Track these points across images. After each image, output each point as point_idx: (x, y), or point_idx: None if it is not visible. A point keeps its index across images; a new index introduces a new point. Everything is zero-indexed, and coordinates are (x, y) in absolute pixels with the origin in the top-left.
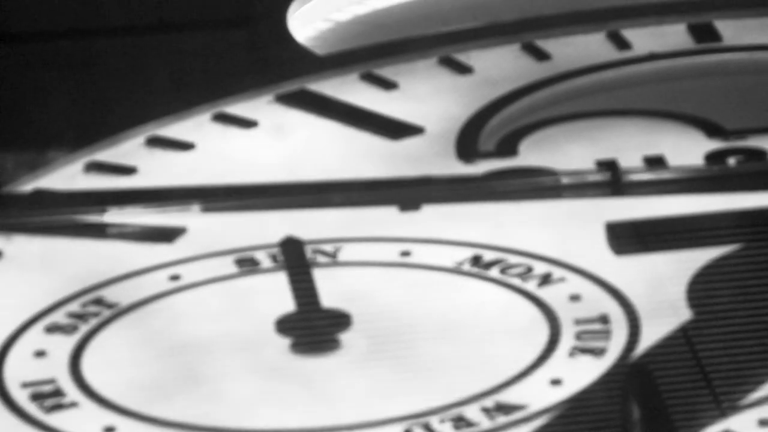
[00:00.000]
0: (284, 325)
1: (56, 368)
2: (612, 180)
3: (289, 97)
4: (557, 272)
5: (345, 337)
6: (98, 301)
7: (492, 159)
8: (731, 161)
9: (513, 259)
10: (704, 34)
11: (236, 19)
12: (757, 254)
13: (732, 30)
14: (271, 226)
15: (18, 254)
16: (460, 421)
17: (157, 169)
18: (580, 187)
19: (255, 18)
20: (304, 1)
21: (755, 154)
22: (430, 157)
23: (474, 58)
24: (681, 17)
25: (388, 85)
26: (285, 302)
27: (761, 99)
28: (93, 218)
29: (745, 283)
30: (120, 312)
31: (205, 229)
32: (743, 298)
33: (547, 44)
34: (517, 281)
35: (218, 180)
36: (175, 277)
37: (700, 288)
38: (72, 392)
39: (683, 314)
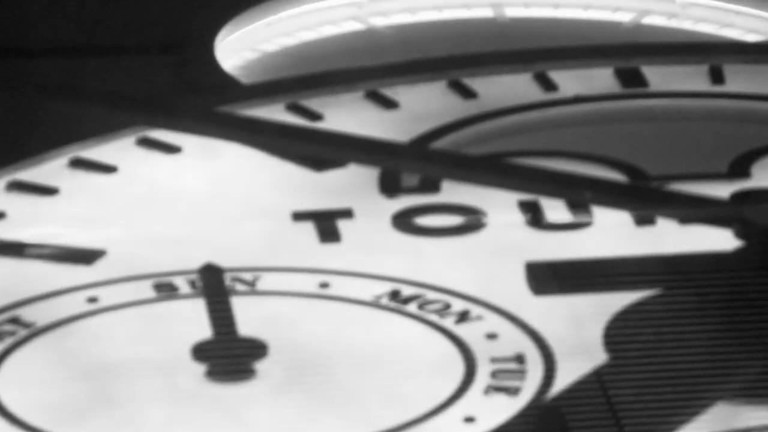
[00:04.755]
0: (200, 352)
1: None
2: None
3: None
4: (475, 310)
5: (261, 366)
6: (14, 321)
7: (414, 194)
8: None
9: (431, 295)
10: (631, 79)
11: (165, 44)
12: (674, 300)
13: (659, 76)
14: (191, 253)
15: None
16: None
17: (79, 191)
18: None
19: (183, 44)
20: (232, 30)
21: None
22: (352, 189)
23: (400, 93)
24: (608, 61)
25: (313, 116)
26: (202, 329)
27: (685, 145)
28: (12, 238)
29: (661, 328)
30: (36, 332)
31: (124, 252)
32: (658, 343)
33: (474, 82)
34: (434, 317)
35: (139, 204)
36: (92, 300)
37: (616, 331)
38: None
39: (598, 357)
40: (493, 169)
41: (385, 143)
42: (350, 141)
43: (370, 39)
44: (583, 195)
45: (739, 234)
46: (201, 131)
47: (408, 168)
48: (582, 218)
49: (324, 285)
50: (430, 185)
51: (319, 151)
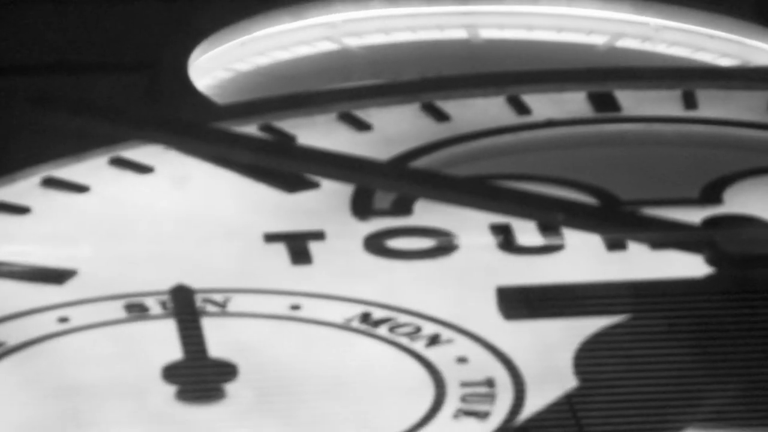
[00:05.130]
0: (171, 373)
1: None
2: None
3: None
4: (446, 333)
5: (231, 388)
6: None
7: (386, 217)
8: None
9: (402, 318)
10: (604, 103)
11: (137, 63)
12: (645, 325)
13: (632, 100)
14: (162, 273)
15: None
16: None
17: (50, 210)
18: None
19: (156, 63)
20: (206, 50)
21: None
22: (324, 211)
23: (373, 115)
24: (582, 85)
25: (286, 138)
26: (172, 350)
27: (658, 170)
28: None
29: (631, 353)
30: (6, 352)
31: (96, 272)
32: (629, 368)
33: (447, 105)
34: (405, 340)
35: (111, 224)
36: (63, 320)
37: (586, 356)
38: None
39: (569, 382)
40: (471, 189)
41: (365, 161)
42: (332, 158)
43: (343, 59)
44: (556, 217)
45: (710, 260)
46: (197, 147)
47: (386, 186)
48: (554, 242)
49: (295, 307)
50: (402, 208)
51: (302, 168)
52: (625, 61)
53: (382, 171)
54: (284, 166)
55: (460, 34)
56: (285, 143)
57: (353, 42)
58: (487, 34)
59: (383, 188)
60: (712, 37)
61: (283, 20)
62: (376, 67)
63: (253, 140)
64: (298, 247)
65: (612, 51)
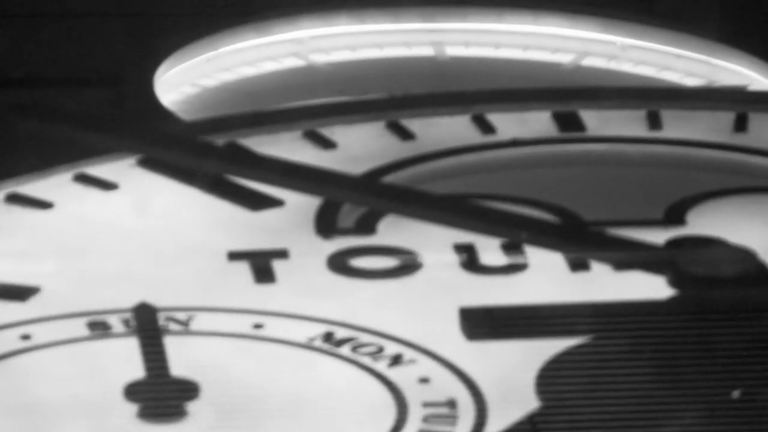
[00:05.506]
0: (132, 391)
1: None
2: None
3: (151, 162)
4: (408, 354)
5: (193, 407)
6: None
7: (350, 236)
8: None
9: (365, 337)
10: (569, 122)
11: (103, 78)
12: (607, 347)
13: (596, 120)
14: (125, 291)
15: None
16: None
17: (14, 227)
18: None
19: (122, 79)
20: (172, 65)
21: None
22: (288, 229)
23: (338, 133)
24: (546, 105)
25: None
26: (135, 368)
27: (622, 191)
28: None
29: (594, 374)
30: None
31: (59, 289)
32: (591, 389)
33: (412, 124)
34: (367, 360)
35: (75, 241)
36: (25, 337)
37: (549, 378)
38: None
39: (531, 403)
40: (440, 205)
41: (338, 175)
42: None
43: (310, 76)
44: (519, 235)
45: (672, 282)
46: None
47: (356, 201)
48: (517, 261)
49: (258, 326)
50: (366, 227)
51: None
52: (591, 79)
53: (353, 185)
54: (258, 179)
55: (426, 51)
56: (260, 156)
57: (320, 58)
58: (454, 51)
59: (353, 202)
60: (678, 56)
61: (249, 36)
62: (342, 83)
63: (227, 152)
64: (261, 265)
65: (578, 69)
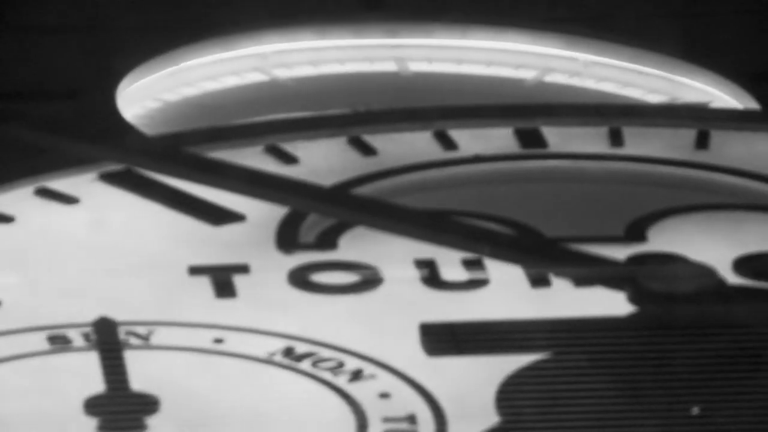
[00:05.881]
0: (92, 406)
1: None
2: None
3: (113, 176)
4: (368, 369)
5: (152, 421)
6: None
7: (311, 251)
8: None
9: (325, 352)
10: (530, 139)
11: (64, 91)
12: (567, 363)
13: (558, 137)
14: (85, 305)
15: None
16: None
17: None
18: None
19: (83, 92)
20: (135, 79)
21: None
22: (249, 244)
23: (300, 148)
24: (508, 121)
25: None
26: (95, 383)
27: (583, 207)
28: None
29: (554, 389)
30: None
31: (19, 303)
32: (551, 404)
33: (374, 139)
34: (327, 375)
35: (36, 254)
36: None
37: (509, 393)
38: None
39: (491, 418)
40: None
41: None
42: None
43: (273, 91)
44: (483, 249)
45: (632, 298)
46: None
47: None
48: (478, 277)
49: (218, 340)
50: (327, 242)
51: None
52: (553, 96)
53: (324, 196)
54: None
55: (389, 66)
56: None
57: (282, 73)
58: (417, 67)
59: (324, 213)
60: (640, 73)
61: (212, 51)
62: (305, 99)
63: (204, 161)
64: (222, 280)
65: (540, 86)
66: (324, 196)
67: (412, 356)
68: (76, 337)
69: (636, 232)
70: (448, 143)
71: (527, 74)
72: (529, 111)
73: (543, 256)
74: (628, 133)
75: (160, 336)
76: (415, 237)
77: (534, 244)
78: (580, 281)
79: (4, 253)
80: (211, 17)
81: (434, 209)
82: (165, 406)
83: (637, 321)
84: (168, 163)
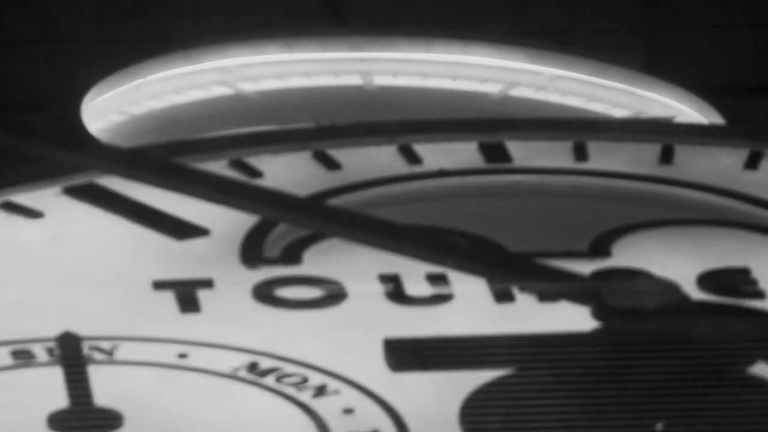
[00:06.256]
0: (56, 421)
1: None
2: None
3: (77, 190)
4: (332, 384)
5: None
6: None
7: (275, 265)
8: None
9: (289, 368)
10: (495, 153)
11: (29, 105)
12: (531, 378)
13: (523, 151)
14: (49, 319)
15: None
16: None
17: None
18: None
19: (48, 105)
20: (100, 92)
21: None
22: (213, 259)
23: (265, 162)
24: (473, 135)
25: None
26: (58, 398)
27: (548, 222)
28: None
29: (518, 404)
30: None
31: None
32: (515, 419)
33: (339, 154)
34: (291, 391)
35: None
36: None
37: (473, 409)
38: None
39: None
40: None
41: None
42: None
43: (238, 104)
44: (445, 262)
45: (596, 314)
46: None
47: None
48: (442, 292)
49: (182, 356)
50: (292, 256)
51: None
52: (519, 110)
53: (299, 206)
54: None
55: (354, 80)
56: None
57: (248, 87)
58: (382, 81)
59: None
60: (605, 87)
61: (177, 64)
62: (270, 112)
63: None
64: (186, 295)
65: (506, 99)
66: (299, 206)
67: (376, 372)
68: (40, 352)
69: (600, 248)
70: (413, 157)
71: (492, 88)
72: (493, 125)
73: (508, 270)
74: (593, 147)
75: (124, 351)
76: (387, 249)
77: (499, 258)
78: (545, 296)
79: None
80: (176, 31)
81: (400, 223)
82: (129, 421)
83: (601, 336)
84: (147, 171)
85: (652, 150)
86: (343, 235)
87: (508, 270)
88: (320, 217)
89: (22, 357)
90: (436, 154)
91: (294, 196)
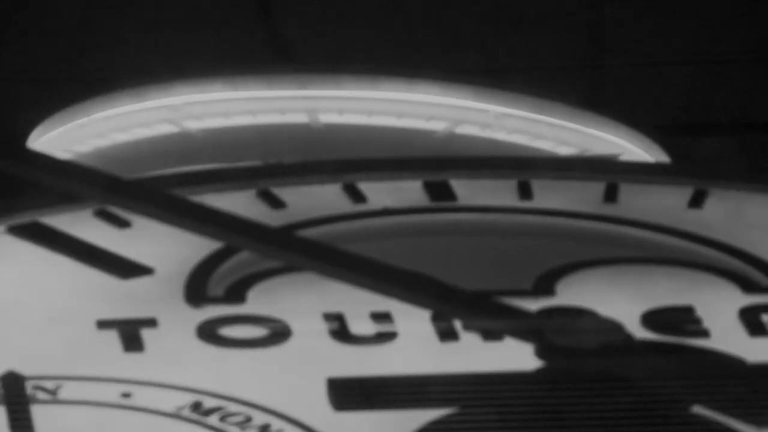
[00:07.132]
0: None
1: None
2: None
3: (20, 229)
4: (276, 424)
5: None
6: None
7: (219, 304)
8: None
9: (233, 407)
10: (439, 192)
11: None
12: (475, 416)
13: (467, 190)
14: None
15: None
16: None
17: None
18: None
19: None
20: (45, 130)
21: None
22: (157, 298)
23: (209, 200)
24: (417, 174)
25: (121, 222)
26: None
27: (492, 261)
28: None
29: None
30: None
31: None
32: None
33: (283, 192)
34: (235, 430)
35: None
36: None
37: None
38: None
39: None
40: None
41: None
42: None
43: (183, 142)
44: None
45: (539, 353)
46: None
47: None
48: (386, 330)
49: (126, 395)
50: (236, 295)
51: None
52: (465, 147)
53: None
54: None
55: (300, 118)
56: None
57: (193, 125)
58: (327, 118)
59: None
60: (551, 125)
61: (123, 102)
62: (216, 150)
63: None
64: (130, 334)
65: (452, 137)
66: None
67: (320, 411)
68: None
69: (544, 286)
70: (357, 196)
71: (438, 126)
72: (437, 164)
73: (454, 306)
74: (537, 185)
75: (67, 390)
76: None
77: (445, 294)
78: (489, 335)
79: None
80: (120, 69)
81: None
82: None
83: (545, 375)
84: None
85: (597, 188)
86: (313, 268)
87: (454, 306)
88: (296, 251)
89: None
90: (380, 193)
91: (266, 225)
